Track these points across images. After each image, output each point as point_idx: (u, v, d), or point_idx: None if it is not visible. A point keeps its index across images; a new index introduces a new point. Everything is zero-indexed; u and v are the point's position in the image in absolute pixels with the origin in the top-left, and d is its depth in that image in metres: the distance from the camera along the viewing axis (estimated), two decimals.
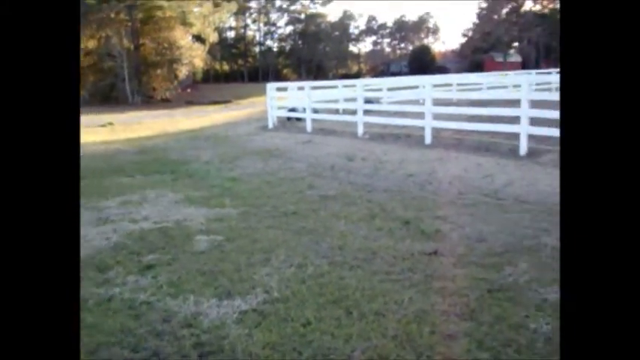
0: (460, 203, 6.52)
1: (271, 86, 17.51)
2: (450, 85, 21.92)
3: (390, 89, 20.76)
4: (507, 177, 7.73)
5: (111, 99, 38.19)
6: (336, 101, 17.49)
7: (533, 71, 32.28)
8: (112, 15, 37.71)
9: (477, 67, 60.75)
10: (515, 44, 69.43)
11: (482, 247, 4.78)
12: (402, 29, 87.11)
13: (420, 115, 11.67)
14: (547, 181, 7.15)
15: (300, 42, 79.91)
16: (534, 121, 9.25)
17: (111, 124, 20.90)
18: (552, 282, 3.81)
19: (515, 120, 9.51)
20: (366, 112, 13.60)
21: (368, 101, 14.82)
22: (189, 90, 46.07)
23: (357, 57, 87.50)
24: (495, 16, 67.16)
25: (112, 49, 38.19)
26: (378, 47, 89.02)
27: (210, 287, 4.03)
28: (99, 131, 18.52)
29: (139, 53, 39.63)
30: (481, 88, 21.62)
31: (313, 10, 78.90)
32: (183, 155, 11.88)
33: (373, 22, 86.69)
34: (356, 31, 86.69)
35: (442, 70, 64.93)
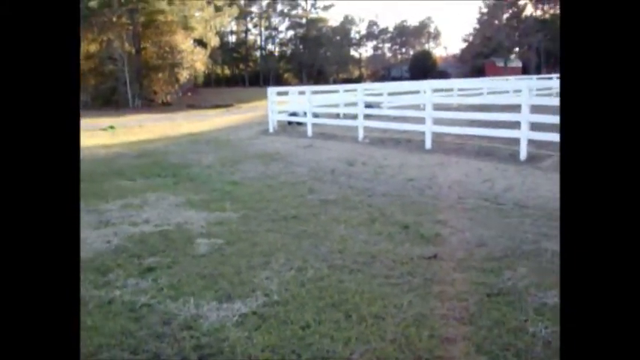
0: (460, 208, 6.54)
1: (272, 90, 17.55)
2: (450, 90, 21.94)
3: (390, 94, 20.82)
4: (507, 182, 7.74)
5: (112, 102, 38.25)
6: (336, 106, 17.52)
7: (534, 76, 32.30)
8: (114, 19, 37.89)
9: (477, 72, 60.77)
10: (516, 49, 69.53)
11: (482, 251, 4.80)
12: (403, 34, 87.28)
13: (420, 120, 11.70)
14: (547, 186, 7.17)
15: (301, 46, 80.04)
16: (535, 126, 9.27)
17: (112, 127, 20.93)
18: (552, 286, 3.82)
19: (515, 125, 9.52)
20: (367, 117, 13.64)
21: (368, 106, 14.87)
22: (190, 94, 46.14)
23: (358, 62, 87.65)
24: (496, 21, 67.26)
25: (113, 52, 38.31)
26: (379, 52, 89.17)
27: (210, 290, 4.04)
28: (100, 134, 18.55)
29: (141, 57, 39.75)
30: (482, 93, 21.62)
31: (314, 15, 79.12)
32: (184, 159, 11.90)
33: (374, 27, 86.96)
34: (357, 36, 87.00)
35: (443, 75, 65.00)
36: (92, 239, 5.50)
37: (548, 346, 3.04)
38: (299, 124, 16.78)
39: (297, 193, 7.68)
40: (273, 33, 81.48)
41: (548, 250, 4.64)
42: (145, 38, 40.48)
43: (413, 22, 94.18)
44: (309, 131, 14.91)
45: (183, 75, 40.24)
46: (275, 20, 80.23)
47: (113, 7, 37.28)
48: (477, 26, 70.78)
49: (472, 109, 13.77)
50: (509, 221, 5.78)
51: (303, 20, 78.99)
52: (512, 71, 56.75)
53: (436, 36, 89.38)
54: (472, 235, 5.28)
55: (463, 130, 10.91)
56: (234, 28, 76.67)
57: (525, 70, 59.56)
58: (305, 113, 15.64)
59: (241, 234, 5.56)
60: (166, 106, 37.54)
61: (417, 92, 18.21)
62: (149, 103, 38.53)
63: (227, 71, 79.10)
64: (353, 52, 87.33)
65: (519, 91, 10.06)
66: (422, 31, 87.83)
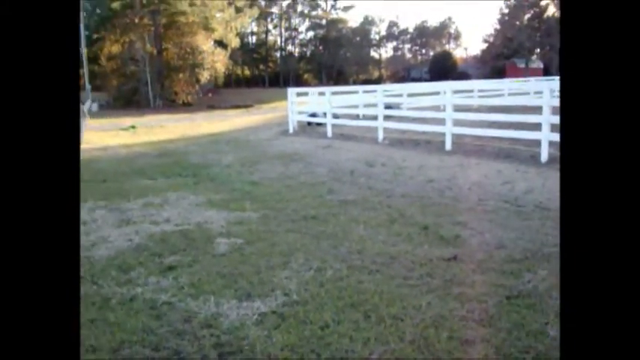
0: (480, 209, 6.50)
1: (292, 91, 17.60)
2: (471, 91, 21.81)
3: (410, 95, 20.76)
4: (528, 184, 7.68)
5: (133, 103, 38.65)
6: (356, 107, 17.51)
7: (556, 77, 31.95)
8: (136, 20, 38.32)
9: (498, 73, 60.27)
10: (538, 50, 68.79)
11: (502, 253, 4.77)
12: (423, 35, 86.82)
13: (440, 121, 11.65)
14: None
15: (321, 47, 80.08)
16: (556, 128, 9.17)
17: (133, 127, 21.16)
18: None
19: (536, 127, 9.44)
20: (387, 118, 13.62)
21: (388, 107, 14.83)
22: (210, 94, 46.48)
23: (377, 62, 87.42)
24: (517, 22, 66.59)
25: (135, 53, 38.69)
26: (399, 53, 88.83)
27: (230, 289, 4.08)
28: (121, 134, 18.76)
29: (162, 58, 40.11)
30: (502, 95, 21.45)
31: (334, 16, 79.15)
32: (204, 159, 12.00)
33: (394, 28, 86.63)
34: (377, 37, 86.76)
35: (463, 76, 64.61)
36: (114, 237, 5.58)
37: None
38: (318, 124, 16.80)
39: (316, 193, 7.70)
40: (293, 34, 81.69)
41: None
42: (167, 39, 40.83)
43: (433, 22, 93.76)
44: (329, 132, 14.93)
45: (204, 76, 40.51)
46: (295, 21, 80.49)
47: (135, 9, 37.71)
48: (498, 27, 70.14)
49: (492, 110, 13.68)
50: (529, 223, 5.73)
51: (323, 21, 79.06)
52: (534, 72, 56.10)
53: (456, 37, 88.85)
54: (492, 237, 5.25)
55: (483, 132, 10.83)
56: (255, 29, 77.06)
57: (547, 72, 58.84)
58: (325, 114, 15.66)
59: (261, 234, 5.59)
60: (187, 107, 37.82)
61: (437, 93, 18.13)
62: (170, 104, 38.84)
63: (247, 72, 79.47)
64: (373, 53, 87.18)
65: (540, 92, 9.97)
66: (442, 31, 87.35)
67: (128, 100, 39.30)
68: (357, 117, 17.19)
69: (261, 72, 79.86)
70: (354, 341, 3.19)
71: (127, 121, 24.13)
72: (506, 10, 68.32)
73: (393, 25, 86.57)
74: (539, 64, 65.96)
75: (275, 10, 76.51)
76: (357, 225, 5.83)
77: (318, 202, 7.07)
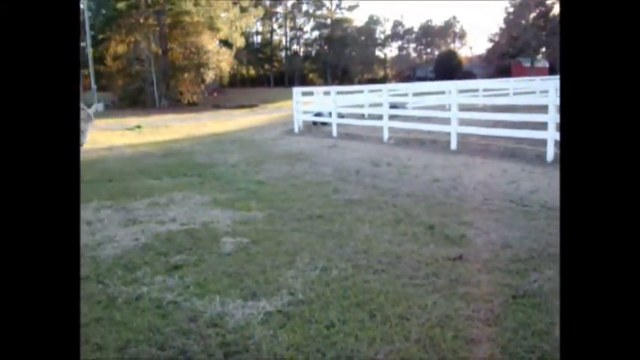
0: (485, 209, 6.49)
1: (297, 91, 17.62)
2: (476, 90, 21.77)
3: (415, 94, 20.75)
4: (533, 183, 7.66)
5: (139, 102, 38.73)
6: (361, 106, 17.51)
7: None
8: (141, 20, 38.40)
9: (503, 72, 60.02)
10: (543, 49, 68.53)
11: (508, 253, 4.76)
12: (428, 34, 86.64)
13: (445, 121, 11.64)
14: None
15: (326, 47, 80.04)
16: None
17: (139, 126, 21.22)
18: None
19: (542, 126, 9.41)
20: (392, 118, 13.62)
21: (393, 106, 14.83)
22: (215, 94, 46.53)
23: (383, 62, 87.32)
24: (523, 21, 66.33)
25: (140, 53, 38.77)
26: (404, 52, 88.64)
27: (235, 288, 4.09)
28: (127, 134, 18.82)
29: (167, 58, 40.15)
30: (508, 94, 21.40)
31: (339, 15, 79.08)
32: (209, 158, 12.02)
33: (399, 27, 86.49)
34: (382, 36, 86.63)
35: (468, 75, 64.45)
36: (120, 237, 5.60)
37: None
38: (324, 124, 16.81)
39: (322, 192, 7.70)
40: (298, 33, 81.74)
41: None
42: (172, 39, 40.88)
43: (438, 21, 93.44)
44: (334, 131, 14.94)
45: (209, 75, 40.54)
46: (300, 21, 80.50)
47: (140, 9, 37.79)
48: (503, 26, 69.87)
49: (498, 109, 13.65)
50: (535, 223, 5.72)
51: (328, 21, 78.99)
52: (539, 71, 55.93)
53: (461, 36, 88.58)
54: (497, 237, 5.25)
55: (489, 131, 10.82)
56: (260, 28, 77.18)
57: (552, 71, 58.63)
58: (330, 113, 15.68)
59: (266, 233, 5.60)
60: (192, 106, 37.87)
61: (442, 93, 18.12)
62: (175, 103, 38.91)
63: (252, 71, 79.56)
64: (378, 53, 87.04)
65: (546, 91, 9.94)
66: (447, 31, 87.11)
67: (134, 99, 39.39)
68: (362, 116, 17.19)
69: (266, 71, 79.93)
70: (360, 340, 3.20)
71: (133, 120, 24.20)
72: (511, 9, 68.03)
73: (398, 24, 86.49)
74: (544, 63, 65.70)
75: (280, 9, 76.57)
76: (363, 224, 5.83)
77: (323, 202, 7.08)
